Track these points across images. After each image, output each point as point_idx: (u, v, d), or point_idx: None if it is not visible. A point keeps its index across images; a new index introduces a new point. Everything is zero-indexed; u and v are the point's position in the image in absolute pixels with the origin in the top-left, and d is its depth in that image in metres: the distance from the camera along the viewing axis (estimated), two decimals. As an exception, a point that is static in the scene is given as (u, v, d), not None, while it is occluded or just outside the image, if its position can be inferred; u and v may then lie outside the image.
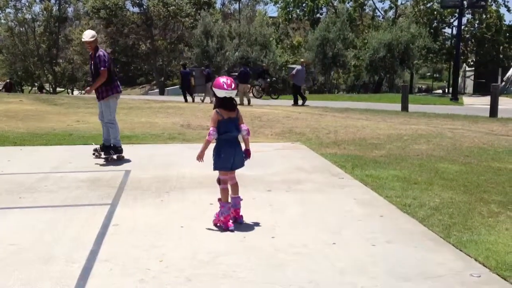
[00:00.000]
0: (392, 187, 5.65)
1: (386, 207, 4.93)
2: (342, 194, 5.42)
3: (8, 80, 39.36)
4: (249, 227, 4.27)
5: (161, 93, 41.64)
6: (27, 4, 53.12)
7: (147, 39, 50.96)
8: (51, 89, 47.65)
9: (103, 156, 7.28)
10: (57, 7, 52.56)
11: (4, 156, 7.41)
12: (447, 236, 4.08)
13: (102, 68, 7.02)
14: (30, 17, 52.62)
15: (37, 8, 53.28)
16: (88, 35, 7.10)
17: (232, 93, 4.31)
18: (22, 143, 8.63)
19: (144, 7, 49.18)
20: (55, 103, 17.47)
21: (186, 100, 20.51)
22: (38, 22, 52.98)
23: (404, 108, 16.67)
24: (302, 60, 22.45)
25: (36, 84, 46.74)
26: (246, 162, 4.52)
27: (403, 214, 4.70)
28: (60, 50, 51.03)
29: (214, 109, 4.38)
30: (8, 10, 52.84)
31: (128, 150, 8.06)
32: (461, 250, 3.79)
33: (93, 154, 7.42)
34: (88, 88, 7.32)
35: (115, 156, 7.29)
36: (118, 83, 7.41)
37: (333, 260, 3.56)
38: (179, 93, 27.00)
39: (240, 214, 4.47)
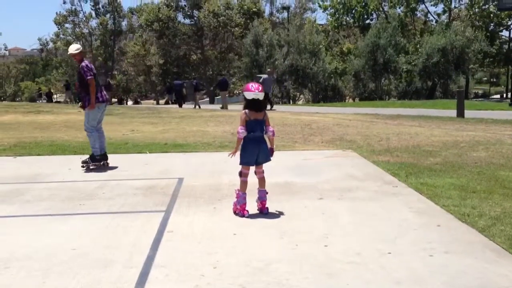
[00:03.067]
0: (449, 195, 5.47)
1: (443, 216, 4.77)
2: (396, 202, 5.29)
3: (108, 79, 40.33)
4: (301, 235, 4.25)
5: (211, 102, 42.31)
6: (84, 19, 55.57)
7: (197, 50, 52.05)
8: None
9: (83, 164, 7.34)
10: (112, 21, 54.59)
11: (65, 164, 7.75)
12: (510, 247, 3.90)
13: (88, 77, 7.24)
14: (87, 31, 54.97)
15: (93, 22, 55.58)
16: (72, 48, 7.45)
17: (259, 95, 4.78)
18: (81, 151, 8.99)
19: (195, 18, 50.27)
20: (110, 113, 18.09)
21: (180, 106, 25.31)
22: (94, 36, 55.24)
23: (460, 114, 16.11)
24: (268, 69, 24.56)
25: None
26: (295, 170, 4.62)
27: (461, 223, 4.53)
28: (115, 62, 52.94)
29: (243, 110, 4.84)
30: (66, 25, 55.44)
31: (180, 158, 8.24)
32: (525, 262, 3.61)
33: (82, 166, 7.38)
34: (84, 105, 7.36)
35: (91, 166, 7.33)
36: (103, 93, 7.56)
37: (389, 270, 3.48)
38: (229, 102, 30.02)
39: (266, 206, 4.91)
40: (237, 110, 20.81)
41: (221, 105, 24.48)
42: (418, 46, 38.55)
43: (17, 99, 58.99)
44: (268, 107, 20.69)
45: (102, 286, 3.26)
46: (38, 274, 3.47)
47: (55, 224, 4.67)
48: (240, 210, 4.83)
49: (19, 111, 17.99)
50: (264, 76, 21.80)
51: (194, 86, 25.89)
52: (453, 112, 16.63)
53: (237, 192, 4.89)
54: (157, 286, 3.26)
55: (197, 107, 24.17)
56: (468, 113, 16.45)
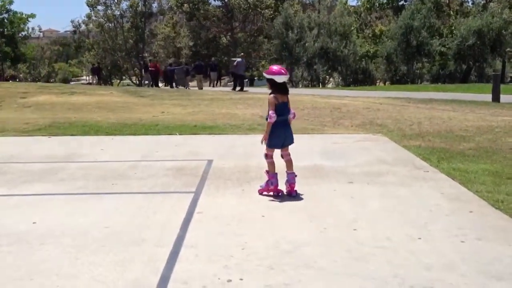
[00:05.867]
0: (483, 181, 5.35)
1: (476, 202, 4.68)
2: (427, 187, 5.21)
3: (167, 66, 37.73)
4: (330, 219, 4.24)
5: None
6: (115, 1, 55.91)
7: (227, 32, 51.90)
8: (137, 81, 49.99)
9: None
10: (142, 3, 54.68)
11: (98, 144, 7.92)
12: (545, 236, 3.80)
13: None
14: (118, 13, 55.30)
15: (124, 4, 55.83)
16: None
17: (286, 78, 4.95)
18: (113, 132, 9.16)
19: (226, 0, 50.02)
20: (141, 95, 18.31)
21: (171, 87, 28.15)
22: (125, 18, 55.55)
23: (495, 98, 15.64)
24: (242, 54, 27.71)
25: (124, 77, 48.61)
26: (324, 153, 4.61)
27: (495, 210, 4.44)
28: (146, 44, 53.26)
29: (270, 94, 4.86)
30: (98, 7, 55.89)
31: (209, 140, 8.30)
32: (561, 251, 3.52)
33: None
34: None
35: None
36: None
37: (419, 255, 3.45)
38: (257, 84, 31.19)
39: (295, 189, 4.92)
40: (261, 92, 20.80)
41: (197, 87, 27.65)
42: (453, 28, 37.44)
43: (51, 80, 60.22)
44: (238, 88, 22.87)
45: (135, 264, 3.34)
46: (72, 251, 3.58)
47: (88, 203, 4.79)
48: (274, 191, 4.91)
49: (53, 92, 18.36)
50: (238, 59, 24.09)
51: (185, 71, 29.70)
52: (488, 97, 16.17)
53: (268, 173, 4.93)
54: (187, 265, 3.32)
55: (187, 88, 27.78)
56: (504, 98, 15.94)
